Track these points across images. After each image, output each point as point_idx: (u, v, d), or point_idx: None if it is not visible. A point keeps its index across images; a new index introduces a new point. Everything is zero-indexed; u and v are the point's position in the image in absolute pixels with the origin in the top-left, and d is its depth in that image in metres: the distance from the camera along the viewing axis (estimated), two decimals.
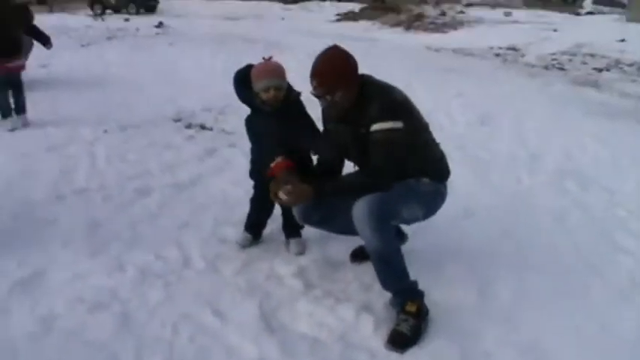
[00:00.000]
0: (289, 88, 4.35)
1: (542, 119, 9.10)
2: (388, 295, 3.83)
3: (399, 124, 3.65)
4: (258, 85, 4.21)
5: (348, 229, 3.80)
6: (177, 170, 6.41)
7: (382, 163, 3.69)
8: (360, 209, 3.63)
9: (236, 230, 4.86)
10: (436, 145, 4.06)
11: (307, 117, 4.37)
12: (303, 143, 4.28)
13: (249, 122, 4.44)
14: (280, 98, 4.24)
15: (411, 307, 3.70)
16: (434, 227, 4.65)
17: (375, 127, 3.66)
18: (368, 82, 3.86)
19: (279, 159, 3.97)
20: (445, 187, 4.05)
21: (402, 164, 3.76)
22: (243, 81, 4.29)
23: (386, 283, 3.77)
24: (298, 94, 4.38)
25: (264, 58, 4.34)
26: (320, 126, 4.23)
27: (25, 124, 7.89)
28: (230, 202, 5.53)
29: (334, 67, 3.76)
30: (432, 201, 3.95)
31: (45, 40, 8.56)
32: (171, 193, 5.79)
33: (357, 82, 3.80)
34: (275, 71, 4.27)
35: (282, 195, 3.81)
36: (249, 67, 4.35)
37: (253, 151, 4.51)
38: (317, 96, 3.81)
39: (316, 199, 3.83)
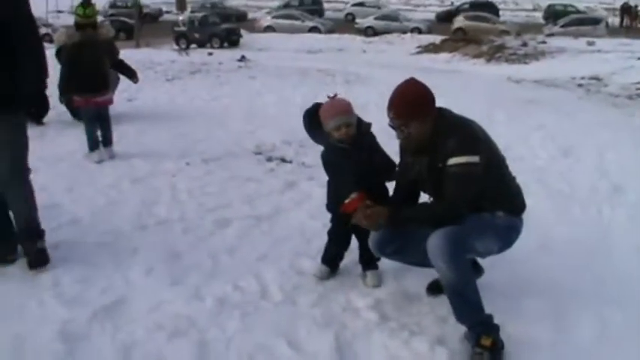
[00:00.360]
0: (359, 120, 4.40)
1: (625, 151, 8.90)
2: (463, 328, 3.81)
3: (475, 159, 3.68)
4: (328, 124, 4.30)
5: (424, 261, 3.82)
6: (257, 203, 6.51)
7: (458, 197, 3.72)
8: (435, 242, 3.65)
9: (313, 262, 4.91)
10: (512, 179, 4.05)
11: (379, 148, 4.43)
12: (378, 174, 4.32)
13: (325, 157, 4.51)
14: (352, 134, 4.31)
15: (486, 341, 3.67)
16: (511, 260, 4.60)
17: (452, 161, 3.70)
18: (445, 115, 3.90)
19: (353, 195, 4.01)
20: (521, 220, 4.02)
21: (478, 198, 3.76)
22: (312, 121, 4.39)
23: (461, 317, 3.76)
24: (369, 125, 4.44)
25: (329, 97, 4.42)
26: (397, 159, 4.27)
27: (112, 157, 8.12)
28: (308, 234, 5.58)
29: (410, 100, 3.83)
30: (506, 235, 3.94)
31: (131, 74, 8.85)
32: (250, 225, 5.88)
33: (433, 115, 3.85)
34: (343, 108, 4.35)
35: (359, 218, 3.85)
36: (316, 106, 4.44)
37: (330, 184, 4.57)
38: (393, 127, 3.87)
39: (392, 227, 3.87)
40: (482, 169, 3.70)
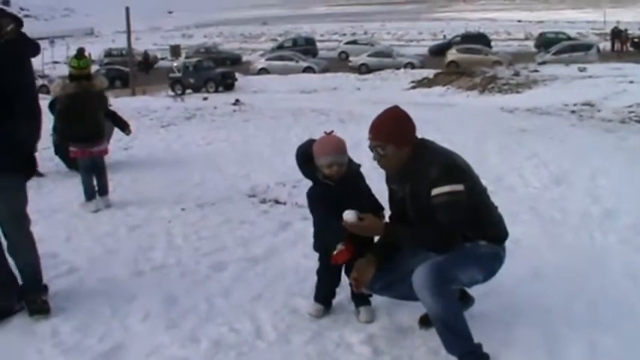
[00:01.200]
0: (349, 160, 4.50)
1: (617, 175, 8.98)
2: (454, 359, 3.86)
3: (460, 187, 3.78)
4: (320, 160, 4.38)
5: (413, 295, 3.88)
6: (252, 245, 6.57)
7: (448, 226, 3.80)
8: (419, 276, 3.73)
9: (308, 301, 4.96)
10: (494, 209, 4.14)
11: (367, 190, 4.52)
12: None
13: (312, 195, 4.59)
14: (342, 173, 4.40)
15: None
16: (502, 288, 4.66)
17: (436, 191, 3.80)
18: (427, 145, 4.02)
19: (340, 246, 4.12)
20: (504, 249, 4.10)
21: (464, 227, 3.85)
22: (305, 155, 4.47)
23: (450, 348, 3.82)
24: (358, 165, 4.54)
25: (325, 133, 4.50)
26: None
27: (108, 205, 8.20)
28: (302, 273, 5.63)
29: (389, 124, 3.99)
30: (490, 264, 4.01)
31: (124, 126, 8.91)
32: (245, 267, 5.94)
33: (410, 142, 3.97)
34: (337, 147, 4.43)
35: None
36: (310, 141, 4.53)
37: (316, 223, 4.65)
38: (370, 148, 4.02)
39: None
40: (467, 198, 3.80)
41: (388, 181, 4.28)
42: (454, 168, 3.88)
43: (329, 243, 4.18)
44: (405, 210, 4.15)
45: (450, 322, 3.76)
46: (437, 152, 3.99)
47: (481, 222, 3.98)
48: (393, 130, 3.96)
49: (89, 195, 8.22)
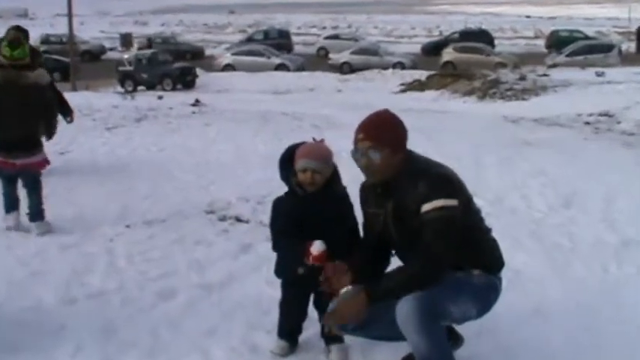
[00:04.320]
0: (335, 179, 4.47)
1: (637, 197, 9.01)
2: None
3: (454, 202, 3.76)
4: (297, 164, 4.39)
5: (390, 334, 3.87)
6: (207, 269, 6.54)
7: (439, 249, 3.78)
8: (405, 310, 3.70)
9: (270, 337, 4.93)
10: (488, 231, 4.12)
11: (353, 222, 4.50)
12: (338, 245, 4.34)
13: (277, 204, 4.55)
14: (317, 183, 4.38)
15: None
16: (498, 327, 4.65)
17: (427, 206, 3.77)
18: (413, 157, 4.00)
19: (321, 247, 4.08)
20: (500, 280, 4.08)
21: (457, 250, 3.82)
22: (289, 159, 4.45)
23: None
24: (344, 189, 4.52)
25: (314, 139, 4.51)
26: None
27: (44, 232, 7.60)
28: (265, 304, 5.59)
29: (386, 125, 4.00)
30: (485, 296, 4.00)
31: (66, 111, 8.63)
32: (198, 295, 5.92)
33: (402, 151, 3.96)
34: (319, 153, 4.43)
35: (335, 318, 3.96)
36: (301, 145, 4.53)
37: (279, 244, 4.60)
38: (356, 151, 3.98)
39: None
40: (461, 214, 3.77)
41: (365, 204, 4.26)
42: (447, 180, 3.87)
43: (286, 270, 4.16)
44: (384, 238, 4.12)
45: None
46: (426, 164, 3.98)
47: (475, 247, 3.96)
48: (389, 133, 3.96)
49: (8, 207, 7.82)
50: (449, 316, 3.91)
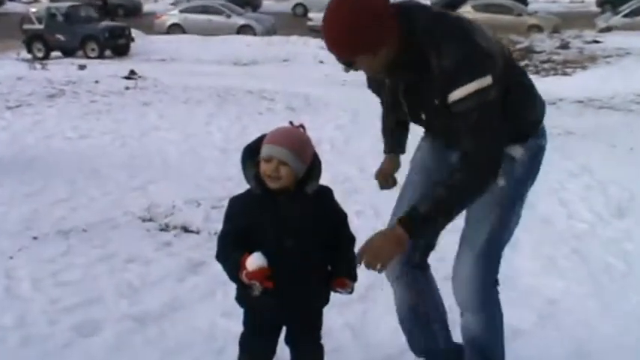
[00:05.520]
0: (312, 175, 4.39)
1: None
2: None
3: (487, 80, 3.75)
4: (262, 150, 4.27)
5: None
6: (143, 295, 6.53)
7: (484, 144, 3.86)
8: (464, 282, 4.17)
9: None
10: (532, 87, 4.36)
11: (341, 233, 4.49)
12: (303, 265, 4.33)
13: (233, 204, 4.48)
14: (282, 178, 4.27)
15: None
16: None
17: (457, 94, 3.77)
18: (415, 16, 3.92)
19: (261, 263, 4.06)
20: (543, 133, 4.38)
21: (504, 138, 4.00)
22: (257, 148, 4.38)
23: None
24: (329, 190, 4.46)
25: (291, 123, 4.44)
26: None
27: None
28: (219, 340, 5.62)
29: (345, 27, 3.83)
30: (534, 166, 4.35)
31: None
32: (130, 329, 5.89)
33: (392, 30, 3.85)
34: (291, 140, 4.31)
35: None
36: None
37: (218, 255, 4.54)
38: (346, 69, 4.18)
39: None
40: (500, 90, 3.83)
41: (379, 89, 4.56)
42: (472, 53, 3.80)
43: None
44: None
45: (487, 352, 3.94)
46: (445, 30, 3.87)
47: (521, 113, 4.20)
48: (357, 34, 3.80)
49: None
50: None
